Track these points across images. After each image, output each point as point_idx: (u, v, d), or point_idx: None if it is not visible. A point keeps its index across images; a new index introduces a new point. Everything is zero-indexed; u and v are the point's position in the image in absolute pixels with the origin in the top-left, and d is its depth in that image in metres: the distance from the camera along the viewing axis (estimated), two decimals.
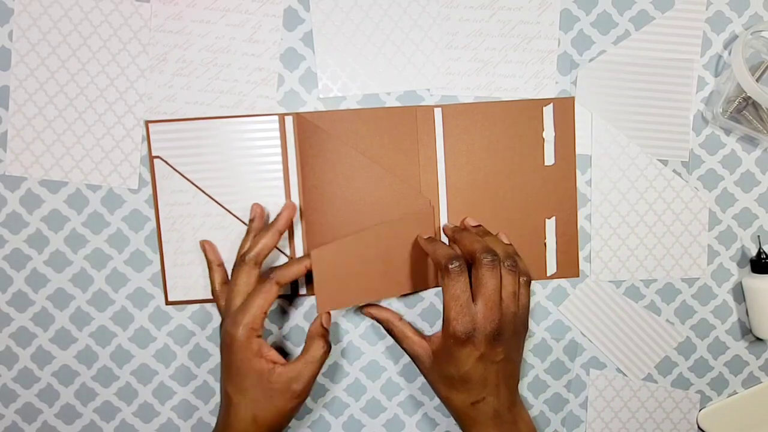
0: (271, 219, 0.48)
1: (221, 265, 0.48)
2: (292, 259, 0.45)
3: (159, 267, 0.49)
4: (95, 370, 0.50)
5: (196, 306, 0.50)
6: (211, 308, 0.50)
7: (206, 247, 0.48)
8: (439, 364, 0.43)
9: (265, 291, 0.42)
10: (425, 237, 0.46)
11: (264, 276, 0.43)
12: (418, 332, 0.45)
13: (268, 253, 0.44)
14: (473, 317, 0.40)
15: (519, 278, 0.43)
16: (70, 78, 0.48)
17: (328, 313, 0.45)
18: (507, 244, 0.45)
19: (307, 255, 0.44)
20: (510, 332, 0.42)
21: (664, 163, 0.50)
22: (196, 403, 0.51)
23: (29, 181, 0.48)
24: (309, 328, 0.45)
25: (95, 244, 0.49)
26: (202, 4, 0.48)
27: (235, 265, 0.44)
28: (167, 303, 0.49)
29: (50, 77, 0.48)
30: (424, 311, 0.50)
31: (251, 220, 0.47)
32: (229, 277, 0.46)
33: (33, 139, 0.48)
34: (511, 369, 0.43)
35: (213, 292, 0.47)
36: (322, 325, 0.44)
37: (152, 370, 0.50)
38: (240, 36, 0.48)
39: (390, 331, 0.46)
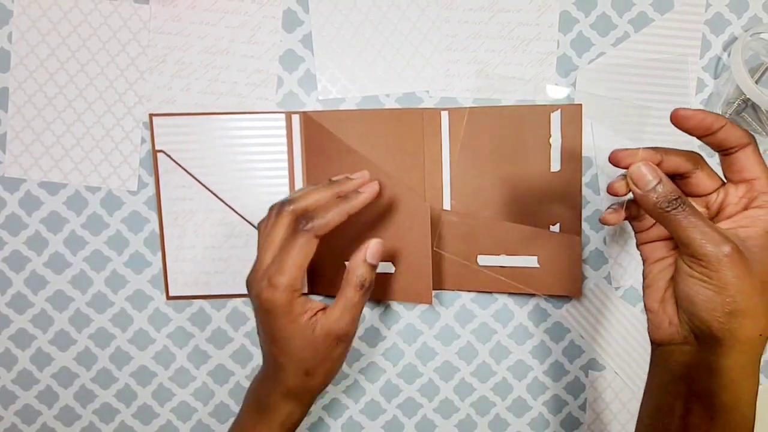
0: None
1: None
2: (326, 205, 0.39)
3: (158, 269, 0.49)
4: (94, 372, 0.50)
5: (196, 308, 0.50)
6: (211, 310, 0.50)
7: None
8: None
9: (301, 246, 0.36)
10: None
11: (297, 223, 0.37)
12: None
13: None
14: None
15: None
16: (69, 80, 0.48)
17: (378, 243, 0.38)
18: None
19: (345, 198, 0.39)
20: None
21: None
22: (195, 405, 0.51)
23: (28, 183, 0.48)
24: (349, 263, 0.38)
25: (94, 245, 0.49)
26: (202, 6, 0.48)
27: (271, 211, 0.39)
28: (168, 298, 0.49)
29: (49, 79, 0.48)
30: (423, 313, 0.51)
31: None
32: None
33: (32, 141, 0.48)
34: None
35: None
36: (365, 260, 0.38)
37: (151, 371, 0.50)
38: (239, 38, 0.48)
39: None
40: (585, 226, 0.50)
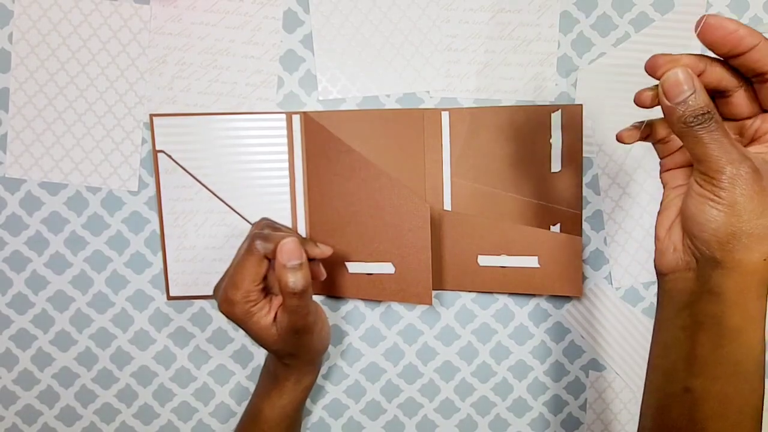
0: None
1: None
2: (281, 231, 0.43)
3: (159, 269, 0.49)
4: (95, 372, 0.50)
5: (196, 308, 0.50)
6: (211, 310, 0.50)
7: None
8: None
9: (252, 264, 0.40)
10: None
11: (252, 241, 0.40)
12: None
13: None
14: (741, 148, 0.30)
15: None
16: (69, 80, 0.48)
17: (289, 242, 0.38)
18: None
19: (305, 240, 0.42)
20: None
21: None
22: (196, 405, 0.51)
23: (29, 183, 0.48)
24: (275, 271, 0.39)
25: (95, 246, 0.49)
26: (202, 7, 0.48)
27: (249, 239, 0.41)
28: (168, 298, 0.49)
29: (50, 79, 0.48)
30: (423, 313, 0.51)
31: None
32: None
33: (33, 141, 0.48)
34: None
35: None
36: (284, 266, 0.38)
37: (152, 371, 0.50)
38: (240, 38, 0.48)
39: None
40: (585, 226, 0.50)
